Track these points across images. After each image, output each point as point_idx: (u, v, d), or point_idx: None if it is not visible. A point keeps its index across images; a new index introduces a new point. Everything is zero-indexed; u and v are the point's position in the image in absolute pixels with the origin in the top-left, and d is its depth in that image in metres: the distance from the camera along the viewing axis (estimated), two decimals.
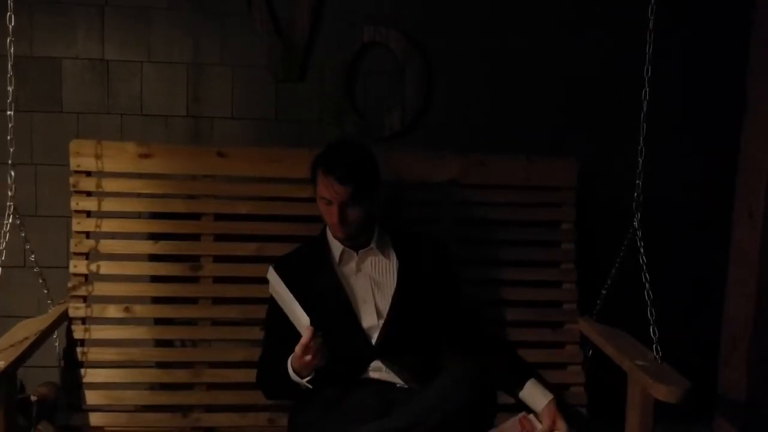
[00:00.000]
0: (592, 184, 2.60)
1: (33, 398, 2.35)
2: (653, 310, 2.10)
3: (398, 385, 2.05)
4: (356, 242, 2.16)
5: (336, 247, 2.18)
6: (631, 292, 2.18)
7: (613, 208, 2.44)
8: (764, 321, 2.55)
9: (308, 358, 1.91)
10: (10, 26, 2.14)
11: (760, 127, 2.56)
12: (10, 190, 2.22)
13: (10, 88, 2.17)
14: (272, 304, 2.15)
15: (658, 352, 2.06)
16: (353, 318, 2.11)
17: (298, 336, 1.94)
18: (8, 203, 2.22)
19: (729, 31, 2.71)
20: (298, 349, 1.91)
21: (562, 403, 2.10)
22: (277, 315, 2.06)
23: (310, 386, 1.98)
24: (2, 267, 2.17)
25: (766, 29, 2.55)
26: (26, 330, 2.12)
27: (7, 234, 2.20)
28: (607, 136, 2.72)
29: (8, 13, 2.14)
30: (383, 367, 2.08)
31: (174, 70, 2.62)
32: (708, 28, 2.74)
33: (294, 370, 1.99)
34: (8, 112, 2.18)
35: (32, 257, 2.30)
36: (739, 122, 2.63)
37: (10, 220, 2.22)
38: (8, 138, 2.20)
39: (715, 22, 2.73)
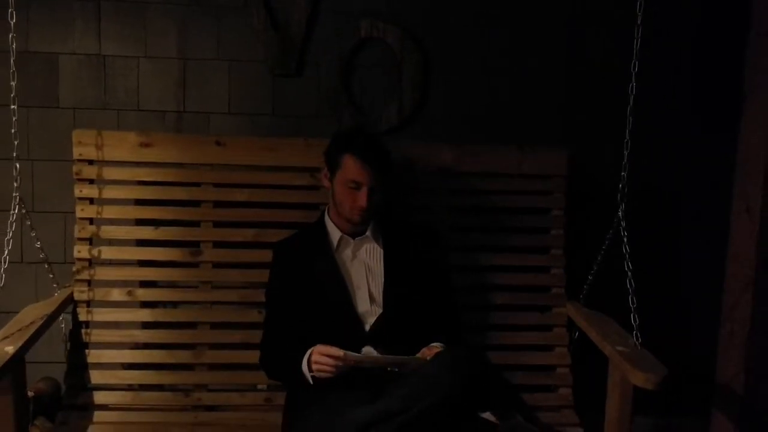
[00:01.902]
0: (584, 173, 2.63)
1: (30, 394, 2.36)
2: (634, 298, 2.15)
3: (389, 369, 2.07)
4: (361, 228, 2.22)
5: (334, 234, 2.24)
6: (619, 278, 2.21)
7: (604, 196, 2.44)
8: (762, 315, 2.55)
9: (330, 368, 1.98)
10: (12, 22, 2.16)
11: (758, 122, 2.52)
12: (16, 182, 2.26)
13: (13, 83, 2.20)
14: (273, 283, 2.23)
15: (638, 339, 2.12)
16: (348, 303, 2.17)
17: (304, 315, 2.04)
18: (14, 194, 2.26)
19: (728, 23, 2.69)
20: (327, 352, 1.97)
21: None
22: (278, 294, 2.15)
23: (311, 382, 2.05)
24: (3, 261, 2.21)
25: (765, 22, 2.50)
26: (32, 314, 2.16)
27: (14, 224, 2.24)
28: (600, 126, 2.71)
29: (9, 10, 2.16)
30: (375, 353, 2.11)
31: (171, 66, 2.62)
32: (708, 19, 2.73)
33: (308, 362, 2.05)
34: (12, 107, 2.22)
35: (38, 244, 2.35)
36: (737, 116, 2.59)
37: (16, 211, 2.26)
38: (12, 131, 2.23)
39: (715, 14, 2.73)
